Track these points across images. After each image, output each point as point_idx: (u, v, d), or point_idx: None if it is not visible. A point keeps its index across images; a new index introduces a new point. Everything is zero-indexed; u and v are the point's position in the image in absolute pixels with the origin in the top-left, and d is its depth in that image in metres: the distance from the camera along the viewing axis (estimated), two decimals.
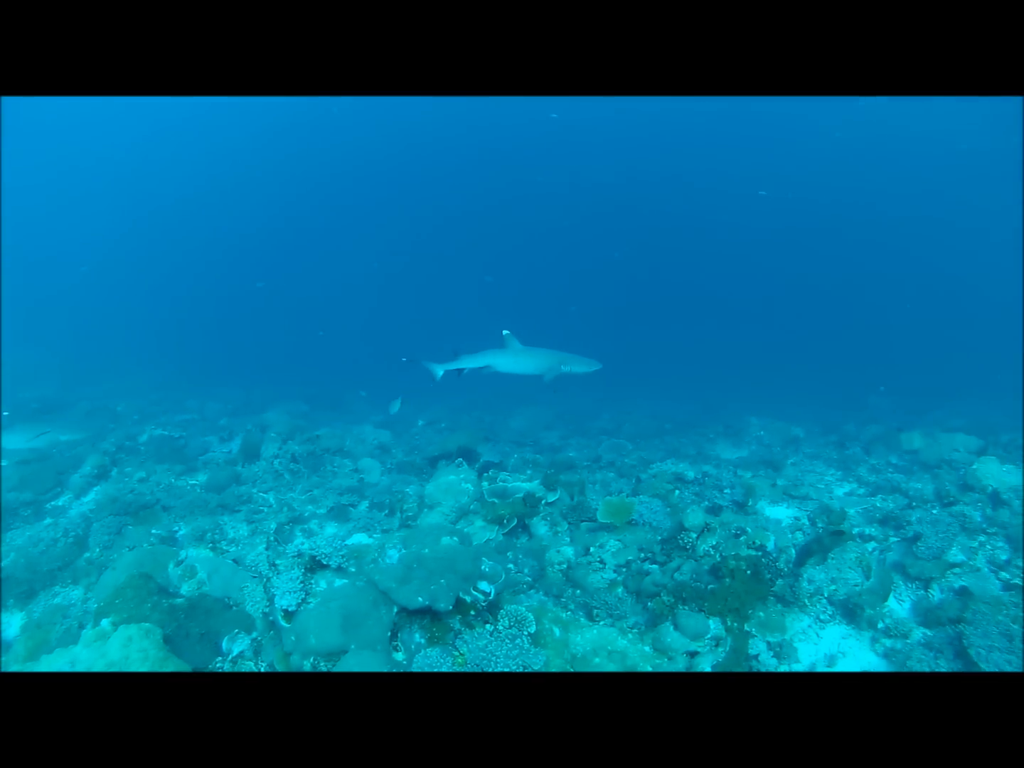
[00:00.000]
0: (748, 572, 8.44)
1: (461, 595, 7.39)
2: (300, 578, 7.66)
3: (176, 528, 11.42)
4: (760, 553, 8.81)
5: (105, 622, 7.51)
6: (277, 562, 8.42)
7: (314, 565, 7.97)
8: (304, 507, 12.54)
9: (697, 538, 9.19)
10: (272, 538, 10.87)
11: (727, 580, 8.35)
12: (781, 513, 11.63)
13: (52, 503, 12.73)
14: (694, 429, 18.82)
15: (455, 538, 8.11)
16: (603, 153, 55.31)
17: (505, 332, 11.80)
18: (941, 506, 11.07)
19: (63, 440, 14.19)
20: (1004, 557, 9.75)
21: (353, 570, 7.93)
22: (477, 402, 23.08)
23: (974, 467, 11.65)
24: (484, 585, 7.57)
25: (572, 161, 56.43)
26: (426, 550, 7.62)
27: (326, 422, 20.17)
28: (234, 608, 8.32)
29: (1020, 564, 9.39)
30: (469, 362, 11.93)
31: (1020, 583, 9.02)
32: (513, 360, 11.86)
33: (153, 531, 11.05)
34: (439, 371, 12.11)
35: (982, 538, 10.16)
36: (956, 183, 48.00)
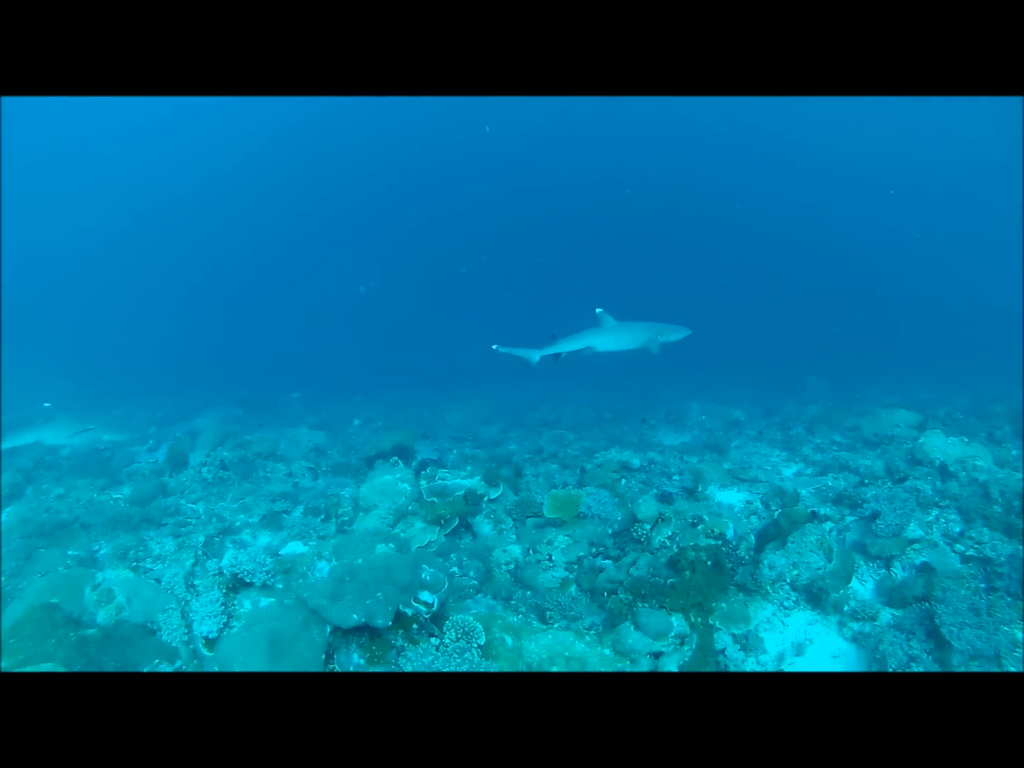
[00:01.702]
0: (709, 563, 7.66)
1: (401, 608, 6.44)
2: (221, 600, 6.65)
3: (96, 547, 10.24)
4: (720, 542, 8.05)
5: None
6: (196, 582, 7.34)
7: (236, 584, 6.95)
8: (235, 516, 11.45)
9: (651, 529, 8.39)
10: (201, 552, 9.77)
11: (687, 573, 7.56)
12: (732, 497, 10.94)
13: None
14: (635, 416, 18.10)
15: (391, 544, 7.17)
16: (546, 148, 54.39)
17: (599, 310, 10.91)
18: (893, 482, 10.50)
19: (105, 439, 12.44)
20: (957, 529, 9.28)
21: (280, 587, 6.93)
22: (413, 398, 22.08)
23: (921, 441, 11.21)
24: (426, 595, 6.64)
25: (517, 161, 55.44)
26: (359, 560, 6.64)
27: (260, 425, 19.03)
28: (157, 634, 7.27)
29: (973, 536, 8.90)
30: (567, 345, 10.97)
31: (975, 554, 8.55)
32: (613, 338, 11.02)
33: (70, 552, 9.86)
34: (535, 356, 11.08)
35: (935, 511, 9.68)
36: (956, 182, 48.05)
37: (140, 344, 40.95)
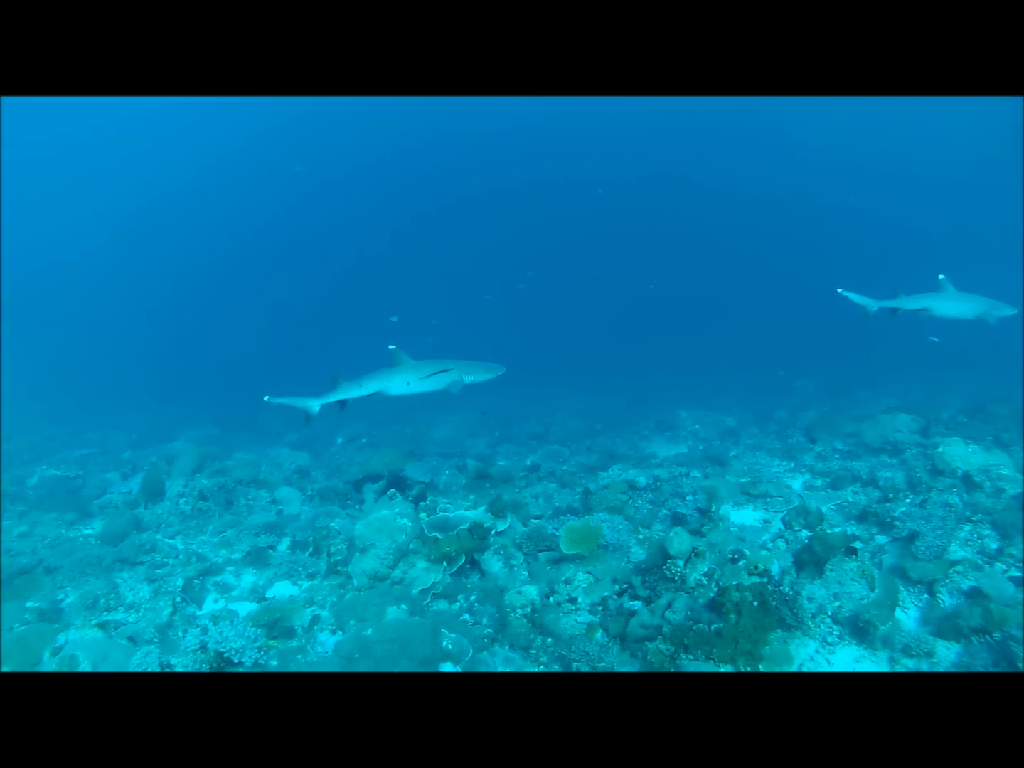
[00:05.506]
0: (755, 603, 6.50)
1: None
2: None
3: (61, 596, 8.85)
4: (765, 579, 6.92)
5: None
6: (172, 661, 5.97)
7: (222, 663, 5.62)
8: (217, 553, 10.14)
9: (685, 565, 7.19)
10: (179, 599, 8.46)
11: (733, 616, 6.39)
12: (749, 517, 9.85)
13: None
14: (626, 426, 16.93)
15: (403, 606, 5.91)
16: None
17: (941, 277, 10.62)
18: (916, 495, 9.45)
19: (467, 381, 9.94)
20: (994, 546, 8.31)
21: (276, 663, 5.61)
22: (397, 413, 20.74)
23: (940, 450, 10.25)
24: (448, 667, 5.40)
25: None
26: (369, 631, 5.37)
27: (240, 445, 17.62)
28: None
29: (1015, 553, 7.99)
30: (908, 303, 10.71)
31: (1019, 574, 7.61)
32: (952, 305, 10.74)
33: (29, 604, 8.45)
34: (874, 306, 10.78)
35: (968, 527, 8.74)
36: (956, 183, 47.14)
37: (111, 361, 39.00)
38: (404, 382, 9.56)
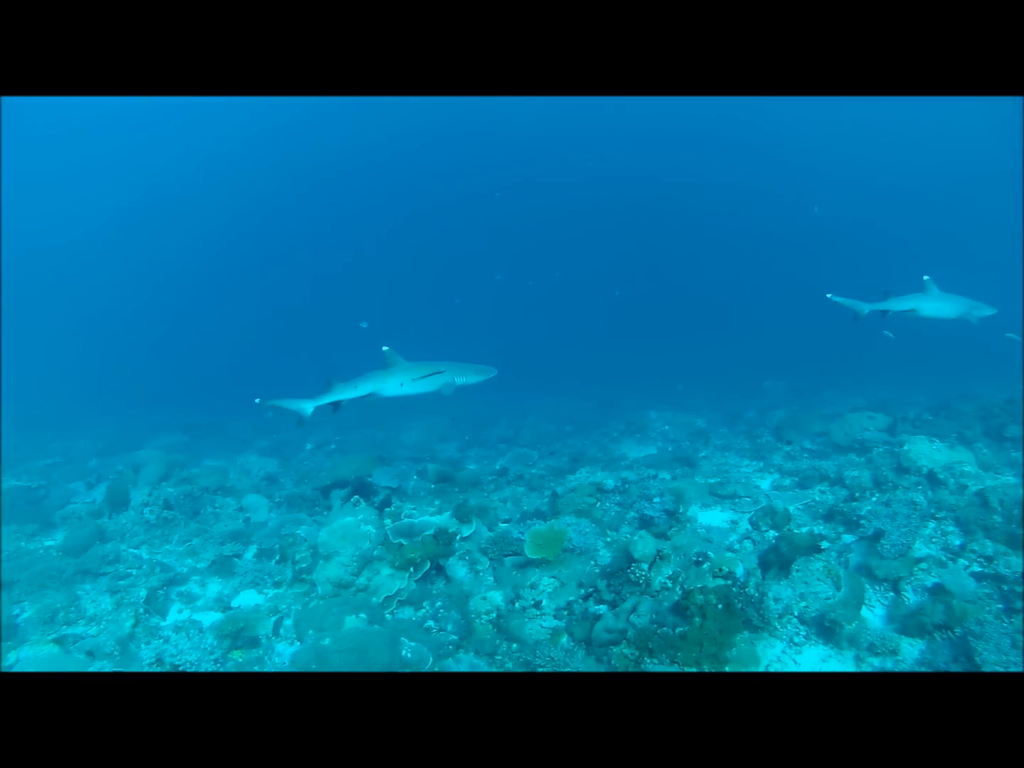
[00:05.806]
0: (720, 606, 6.48)
1: None
2: None
3: (17, 611, 8.62)
4: (730, 581, 6.90)
5: None
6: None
7: None
8: (182, 562, 9.98)
9: (649, 568, 7.16)
10: (142, 610, 8.32)
11: (697, 620, 6.37)
12: (716, 518, 9.84)
13: None
14: (596, 428, 16.93)
15: (362, 614, 5.83)
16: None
17: (926, 278, 10.79)
18: (882, 493, 9.50)
19: (459, 383, 9.98)
20: (958, 542, 8.36)
21: None
22: (367, 418, 20.60)
23: (906, 448, 10.33)
24: None
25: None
26: (326, 640, 5.30)
27: (209, 452, 17.41)
28: None
29: (976, 548, 8.05)
30: (896, 304, 10.80)
31: (985, 571, 7.64)
32: (937, 305, 10.90)
33: None
34: (865, 309, 10.81)
35: (932, 524, 8.76)
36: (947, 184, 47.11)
37: (80, 367, 38.36)
38: (398, 383, 9.53)
